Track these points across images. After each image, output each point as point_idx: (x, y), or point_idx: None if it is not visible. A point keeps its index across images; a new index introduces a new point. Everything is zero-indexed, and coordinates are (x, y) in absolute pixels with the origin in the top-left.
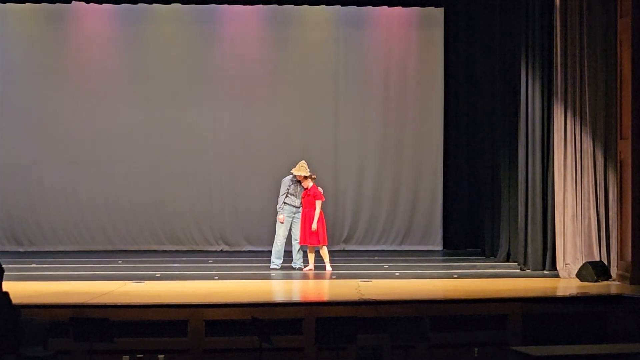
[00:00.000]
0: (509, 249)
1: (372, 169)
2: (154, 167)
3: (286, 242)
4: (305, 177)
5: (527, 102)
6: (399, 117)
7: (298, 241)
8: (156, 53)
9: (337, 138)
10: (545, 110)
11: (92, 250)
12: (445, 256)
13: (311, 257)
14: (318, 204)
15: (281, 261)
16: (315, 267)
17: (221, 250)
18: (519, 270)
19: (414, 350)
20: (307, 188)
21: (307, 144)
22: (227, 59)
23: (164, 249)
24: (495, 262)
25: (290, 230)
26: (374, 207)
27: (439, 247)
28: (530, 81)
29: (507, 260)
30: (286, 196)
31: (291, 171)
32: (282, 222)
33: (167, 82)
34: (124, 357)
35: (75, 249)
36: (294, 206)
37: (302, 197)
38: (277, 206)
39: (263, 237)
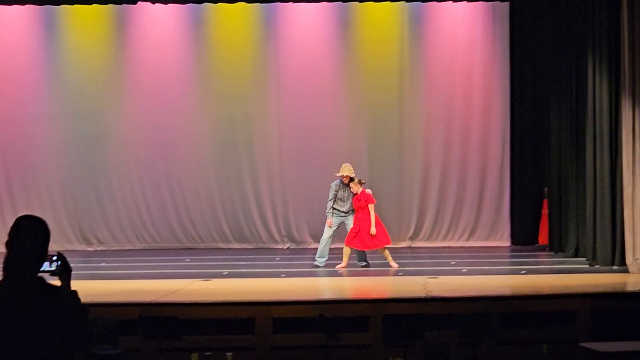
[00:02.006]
0: (577, 244)
1: (438, 164)
2: (220, 165)
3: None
4: (352, 180)
5: (594, 97)
6: (465, 113)
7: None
8: (221, 52)
9: (402, 134)
10: (613, 105)
11: (159, 249)
12: (513, 252)
13: (346, 252)
14: (371, 208)
15: (325, 259)
16: (381, 265)
17: (287, 248)
18: (587, 266)
19: (481, 347)
20: (356, 193)
21: (372, 141)
22: (291, 56)
23: (231, 247)
24: (564, 257)
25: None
26: (440, 203)
27: (507, 243)
28: (597, 76)
29: (576, 256)
30: (334, 201)
31: (336, 174)
32: (330, 227)
33: (232, 81)
34: (192, 354)
35: (143, 248)
36: (342, 211)
37: (354, 203)
38: (326, 211)
39: None
